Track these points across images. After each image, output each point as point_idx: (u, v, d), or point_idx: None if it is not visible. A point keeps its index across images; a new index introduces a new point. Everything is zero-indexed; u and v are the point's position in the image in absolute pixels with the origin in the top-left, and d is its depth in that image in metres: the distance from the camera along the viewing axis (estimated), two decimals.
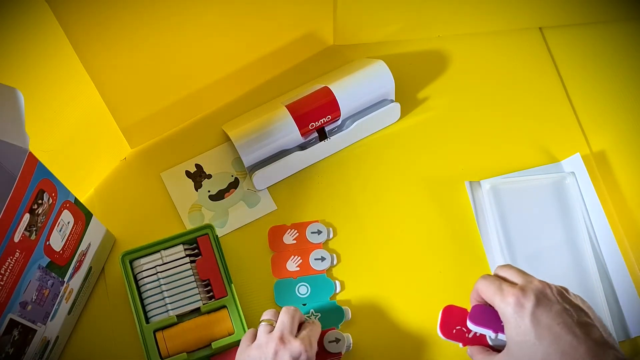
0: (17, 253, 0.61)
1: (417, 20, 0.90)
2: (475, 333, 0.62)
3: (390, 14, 0.89)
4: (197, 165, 0.85)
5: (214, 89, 0.85)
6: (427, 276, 0.79)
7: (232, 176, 0.84)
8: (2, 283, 0.60)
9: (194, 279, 0.75)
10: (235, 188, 0.84)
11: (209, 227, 0.78)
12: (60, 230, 0.68)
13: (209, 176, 0.84)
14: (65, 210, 0.68)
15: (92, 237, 0.75)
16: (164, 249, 0.77)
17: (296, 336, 0.66)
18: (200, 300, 0.75)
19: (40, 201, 0.63)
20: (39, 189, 0.62)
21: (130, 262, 0.76)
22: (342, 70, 0.87)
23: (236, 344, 0.73)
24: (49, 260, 0.67)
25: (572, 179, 0.82)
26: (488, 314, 0.60)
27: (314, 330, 0.68)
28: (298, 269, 0.79)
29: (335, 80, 0.84)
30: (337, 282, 0.79)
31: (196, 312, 0.75)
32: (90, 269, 0.76)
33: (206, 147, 0.86)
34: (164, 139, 0.87)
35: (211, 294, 0.75)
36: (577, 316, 0.56)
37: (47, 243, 0.66)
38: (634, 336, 0.75)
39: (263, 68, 0.88)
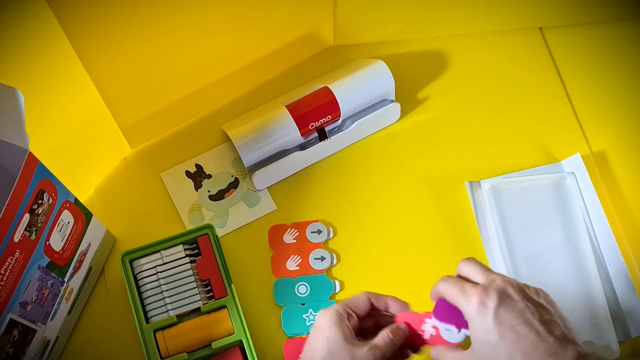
0: (17, 253, 0.61)
1: (417, 20, 0.90)
2: (432, 334, 0.61)
3: (390, 14, 0.89)
4: (197, 165, 0.85)
5: (214, 89, 0.85)
6: (427, 276, 0.78)
7: (232, 176, 0.84)
8: (2, 283, 0.60)
9: (194, 279, 0.75)
10: (235, 188, 0.84)
11: (209, 227, 0.78)
12: (60, 230, 0.68)
13: (209, 176, 0.84)
14: (65, 210, 0.68)
15: (92, 237, 0.75)
16: (164, 249, 0.77)
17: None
18: (200, 300, 0.75)
19: (40, 201, 0.63)
20: (39, 189, 0.62)
21: (130, 262, 0.76)
22: (342, 70, 0.87)
23: (236, 344, 0.73)
24: (49, 260, 0.67)
25: (572, 179, 0.82)
26: (452, 310, 0.59)
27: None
28: (298, 268, 0.79)
29: (335, 80, 0.84)
30: (336, 281, 0.79)
31: (196, 312, 0.75)
32: (90, 269, 0.76)
33: (206, 147, 0.86)
34: (164, 139, 0.87)
35: (211, 294, 0.75)
36: (539, 314, 0.56)
37: (47, 243, 0.66)
38: (634, 336, 0.74)
39: (263, 68, 0.88)
